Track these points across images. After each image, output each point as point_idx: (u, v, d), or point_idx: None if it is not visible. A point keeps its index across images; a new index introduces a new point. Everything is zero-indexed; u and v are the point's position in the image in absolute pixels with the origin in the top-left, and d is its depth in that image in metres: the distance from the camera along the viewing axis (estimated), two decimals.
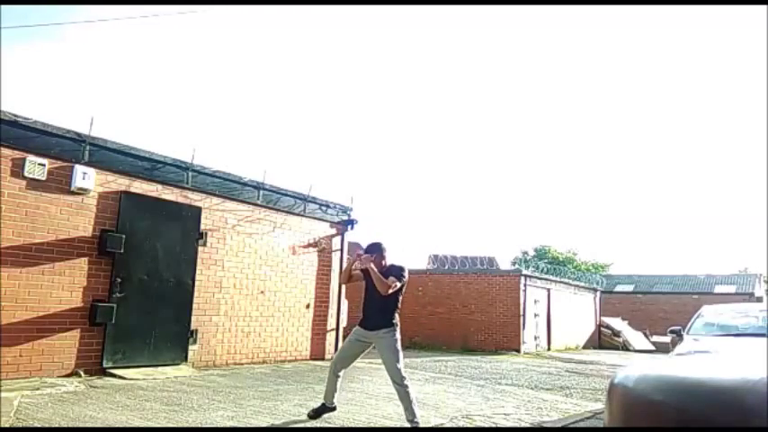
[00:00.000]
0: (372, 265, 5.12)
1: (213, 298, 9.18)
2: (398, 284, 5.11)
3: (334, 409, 5.44)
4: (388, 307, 5.18)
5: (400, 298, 5.29)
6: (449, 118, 71.12)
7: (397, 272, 5.18)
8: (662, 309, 31.25)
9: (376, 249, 5.30)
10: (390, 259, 5.39)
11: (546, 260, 34.20)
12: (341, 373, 5.35)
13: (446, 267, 18.59)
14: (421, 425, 5.10)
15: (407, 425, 5.08)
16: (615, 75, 69.04)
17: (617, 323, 24.45)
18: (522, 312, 16.81)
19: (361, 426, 5.39)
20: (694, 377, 2.30)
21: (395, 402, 6.52)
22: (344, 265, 5.27)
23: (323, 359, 10.80)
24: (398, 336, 5.19)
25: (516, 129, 73.31)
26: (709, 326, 7.45)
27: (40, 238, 7.08)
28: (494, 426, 5.74)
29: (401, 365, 5.08)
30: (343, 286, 11.60)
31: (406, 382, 5.05)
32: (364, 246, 5.56)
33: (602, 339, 23.30)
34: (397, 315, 5.24)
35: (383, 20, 71.49)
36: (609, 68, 68.28)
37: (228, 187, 9.61)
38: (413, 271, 18.49)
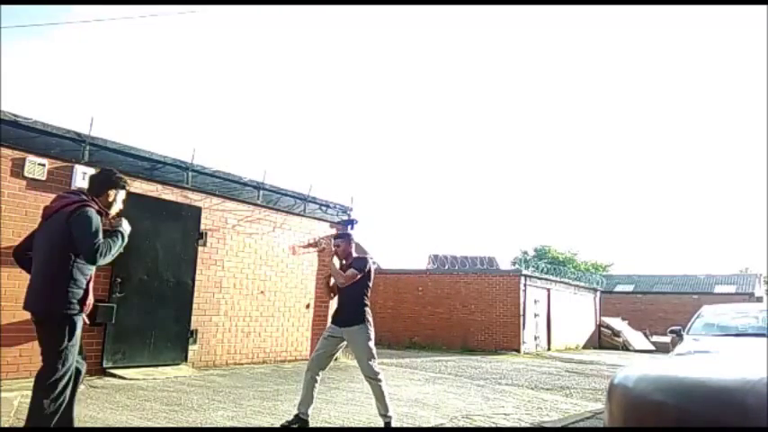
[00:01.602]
0: (335, 260, 5.27)
1: (213, 298, 9.17)
2: (358, 275, 5.11)
3: (307, 423, 4.99)
4: (356, 301, 5.15)
5: (367, 292, 5.26)
6: (449, 118, 71.14)
7: (358, 264, 5.22)
8: (662, 309, 31.27)
9: (345, 237, 5.52)
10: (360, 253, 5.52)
11: (546, 260, 34.20)
12: (319, 377, 5.10)
13: (446, 267, 18.59)
14: (393, 419, 5.01)
15: (407, 425, 5.07)
16: (615, 75, 69.05)
17: (617, 323, 24.45)
18: (522, 312, 16.81)
19: (361, 426, 5.39)
20: (694, 377, 2.29)
21: (395, 402, 6.53)
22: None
23: None
24: (371, 332, 5.10)
25: (516, 128, 73.34)
26: (709, 326, 7.45)
27: None
28: (494, 426, 5.74)
29: (374, 362, 5.02)
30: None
31: (380, 377, 4.98)
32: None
33: (602, 339, 23.30)
34: (368, 310, 5.18)
35: (383, 20, 71.50)
36: (609, 68, 68.30)
37: (228, 187, 9.61)
38: (413, 271, 18.71)
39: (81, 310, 3.48)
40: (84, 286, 3.53)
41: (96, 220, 3.46)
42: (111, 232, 3.58)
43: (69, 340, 3.42)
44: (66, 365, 3.43)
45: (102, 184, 3.69)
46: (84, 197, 3.60)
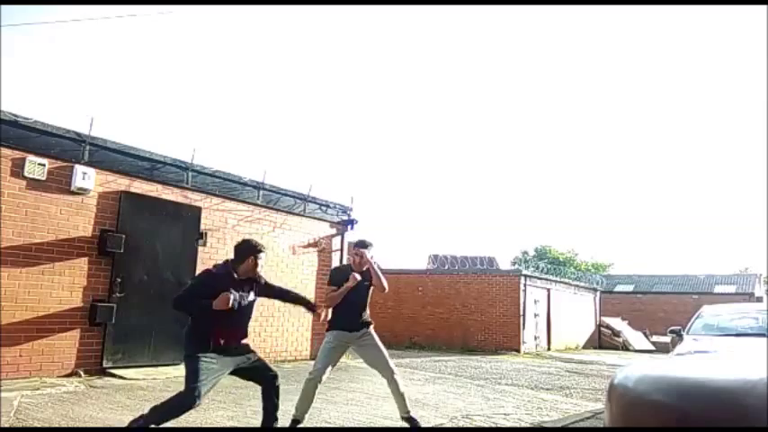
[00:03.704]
0: (372, 263, 5.11)
1: None
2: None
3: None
4: (366, 304, 5.22)
5: None
6: (449, 118, 71.13)
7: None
8: (662, 309, 31.23)
9: (367, 245, 5.19)
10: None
11: (546, 260, 34.20)
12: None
13: (446, 267, 18.58)
14: (417, 419, 5.09)
15: (407, 425, 5.07)
16: (615, 75, 69.05)
17: (617, 323, 24.42)
18: (522, 312, 16.80)
19: (361, 426, 5.39)
20: (694, 377, 2.30)
21: (395, 402, 6.52)
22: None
23: None
24: None
25: (516, 129, 73.33)
26: (708, 326, 7.42)
27: (39, 238, 7.08)
28: (494, 426, 5.74)
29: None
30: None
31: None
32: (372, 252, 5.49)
33: (602, 339, 23.28)
34: None
35: (383, 20, 71.49)
36: (609, 68, 68.29)
37: (228, 187, 9.61)
38: (413, 271, 18.70)
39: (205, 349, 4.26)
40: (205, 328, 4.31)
41: (198, 279, 4.61)
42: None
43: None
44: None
45: (243, 252, 4.34)
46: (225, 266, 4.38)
